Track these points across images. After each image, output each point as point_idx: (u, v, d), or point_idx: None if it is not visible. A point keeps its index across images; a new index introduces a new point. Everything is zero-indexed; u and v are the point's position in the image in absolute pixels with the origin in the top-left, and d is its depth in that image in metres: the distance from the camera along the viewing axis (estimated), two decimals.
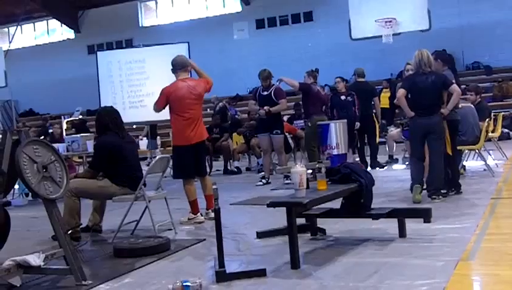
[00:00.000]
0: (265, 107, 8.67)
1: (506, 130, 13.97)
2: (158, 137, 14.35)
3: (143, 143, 14.44)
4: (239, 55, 20.47)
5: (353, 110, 9.62)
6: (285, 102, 8.88)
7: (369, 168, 9.25)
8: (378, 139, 10.41)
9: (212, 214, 5.61)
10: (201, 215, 6.10)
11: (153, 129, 13.27)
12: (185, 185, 6.10)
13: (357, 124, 9.62)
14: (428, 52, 6.32)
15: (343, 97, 9.75)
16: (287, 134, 10.03)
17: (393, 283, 3.46)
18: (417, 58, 6.26)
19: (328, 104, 9.73)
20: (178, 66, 6.17)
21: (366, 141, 10.23)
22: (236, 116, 13.62)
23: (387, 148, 10.65)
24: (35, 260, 3.82)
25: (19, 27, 23.96)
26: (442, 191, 6.23)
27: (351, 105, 9.65)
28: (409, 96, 6.33)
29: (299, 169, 4.14)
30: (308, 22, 20.78)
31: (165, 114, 7.23)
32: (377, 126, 10.33)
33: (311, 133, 9.17)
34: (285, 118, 10.56)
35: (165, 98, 6.12)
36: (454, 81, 6.52)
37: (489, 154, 9.15)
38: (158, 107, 6.20)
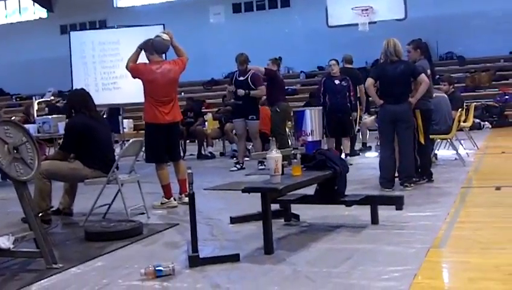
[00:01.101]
0: (240, 90, 8.59)
1: (477, 120, 14.20)
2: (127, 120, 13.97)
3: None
4: (215, 39, 20.26)
5: (347, 96, 8.99)
6: (264, 88, 8.84)
7: (347, 156, 9.22)
8: (356, 127, 10.33)
9: (186, 199, 5.59)
10: (175, 200, 6.06)
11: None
12: (158, 169, 6.03)
13: (354, 115, 9.17)
14: (396, 41, 6.31)
15: (337, 82, 8.98)
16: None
17: (366, 269, 3.49)
18: (384, 47, 6.33)
19: (320, 89, 9.32)
20: (157, 50, 6.03)
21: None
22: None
23: (360, 136, 10.72)
24: (5, 242, 3.76)
25: None
26: (413, 179, 6.30)
27: (345, 90, 8.99)
28: (378, 84, 6.38)
29: (275, 155, 4.13)
30: (285, 7, 20.66)
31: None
32: (358, 114, 10.22)
33: (280, 119, 9.18)
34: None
35: (135, 73, 6.03)
36: (429, 70, 6.58)
37: (461, 143, 9.30)
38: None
